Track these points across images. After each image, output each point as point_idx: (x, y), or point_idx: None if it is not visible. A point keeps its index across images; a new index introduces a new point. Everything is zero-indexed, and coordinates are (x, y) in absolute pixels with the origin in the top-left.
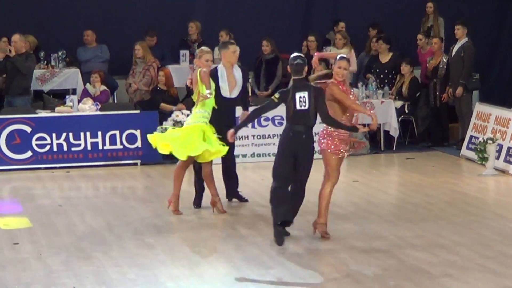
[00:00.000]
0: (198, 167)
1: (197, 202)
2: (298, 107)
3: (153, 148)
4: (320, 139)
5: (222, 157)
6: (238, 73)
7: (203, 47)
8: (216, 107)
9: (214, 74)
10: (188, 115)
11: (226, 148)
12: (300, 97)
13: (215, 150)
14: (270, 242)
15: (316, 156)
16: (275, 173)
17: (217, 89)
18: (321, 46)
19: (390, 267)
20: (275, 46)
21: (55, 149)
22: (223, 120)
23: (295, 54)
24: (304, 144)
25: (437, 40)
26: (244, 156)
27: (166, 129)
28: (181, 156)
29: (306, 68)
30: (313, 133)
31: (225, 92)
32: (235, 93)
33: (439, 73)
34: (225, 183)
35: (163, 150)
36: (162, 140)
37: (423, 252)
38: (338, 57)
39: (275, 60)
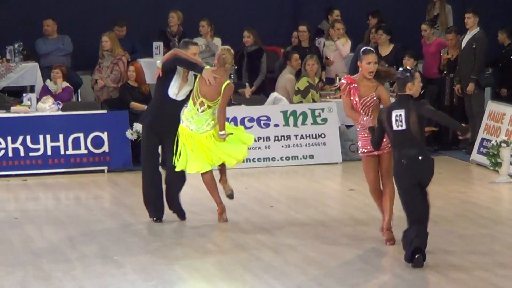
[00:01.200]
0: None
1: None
2: (394, 127)
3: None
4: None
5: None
6: (192, 77)
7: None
8: (158, 107)
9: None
10: None
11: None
12: (396, 115)
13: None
14: (255, 259)
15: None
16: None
17: (166, 86)
18: (313, 37)
19: None
20: (257, 37)
21: (10, 154)
22: (164, 122)
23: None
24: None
25: (452, 36)
26: None
27: (137, 132)
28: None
29: (410, 85)
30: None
31: (173, 92)
32: (181, 96)
33: (457, 67)
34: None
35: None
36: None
37: (429, 271)
38: (362, 50)
39: (258, 53)
